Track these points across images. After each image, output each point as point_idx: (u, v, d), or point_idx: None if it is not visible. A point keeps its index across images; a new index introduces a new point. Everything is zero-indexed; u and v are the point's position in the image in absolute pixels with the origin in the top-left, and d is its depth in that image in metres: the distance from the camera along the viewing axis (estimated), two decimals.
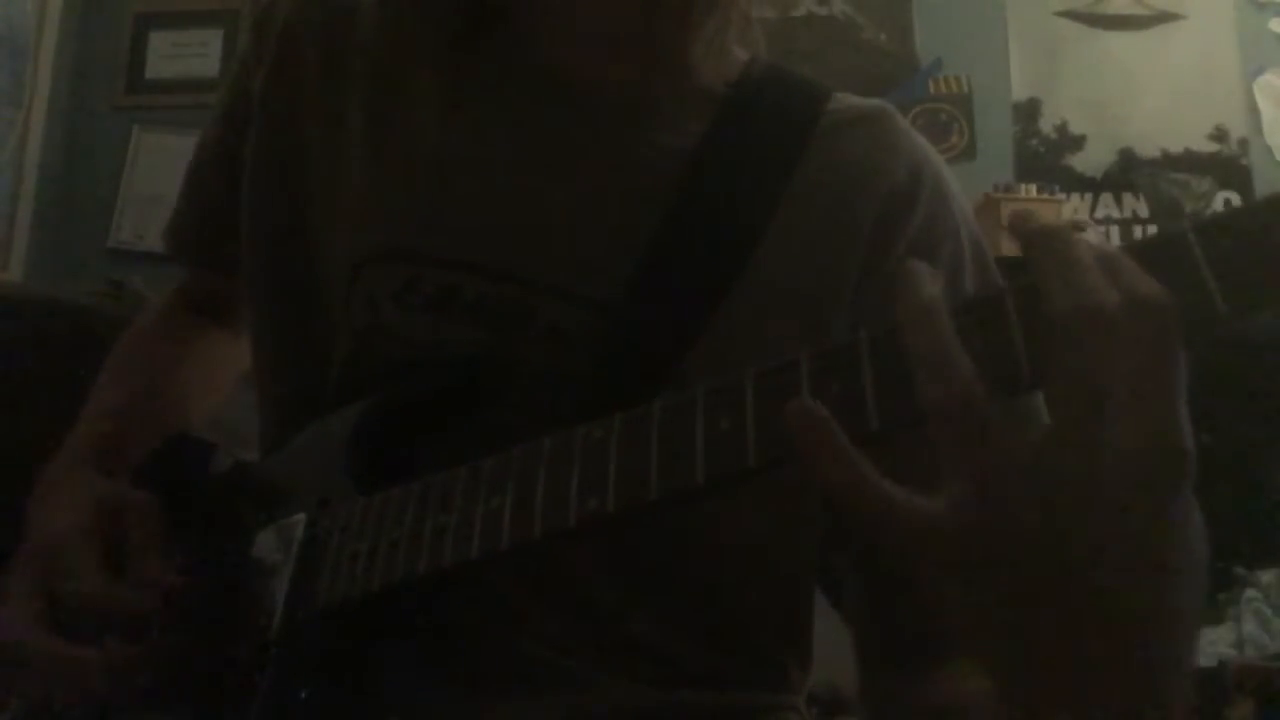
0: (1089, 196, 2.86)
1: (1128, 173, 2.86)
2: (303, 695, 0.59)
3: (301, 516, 0.64)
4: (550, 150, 0.70)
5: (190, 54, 3.07)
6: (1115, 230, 2.83)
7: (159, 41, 3.11)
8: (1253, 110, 2.85)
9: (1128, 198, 2.85)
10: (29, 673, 0.65)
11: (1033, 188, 2.73)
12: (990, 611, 0.42)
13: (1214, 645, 2.06)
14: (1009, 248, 2.60)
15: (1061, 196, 2.76)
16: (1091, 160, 2.88)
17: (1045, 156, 2.90)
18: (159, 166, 2.94)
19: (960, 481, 0.40)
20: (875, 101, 0.75)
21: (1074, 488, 0.39)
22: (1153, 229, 2.80)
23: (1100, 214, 2.85)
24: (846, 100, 0.74)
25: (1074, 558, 0.40)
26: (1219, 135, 2.85)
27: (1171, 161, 2.85)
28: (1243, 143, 2.84)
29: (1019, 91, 2.93)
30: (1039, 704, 0.42)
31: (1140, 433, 0.38)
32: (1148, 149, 2.86)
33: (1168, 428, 0.38)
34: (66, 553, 0.67)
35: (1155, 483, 0.39)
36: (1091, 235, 2.76)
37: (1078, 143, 2.90)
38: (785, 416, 0.42)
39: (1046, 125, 2.91)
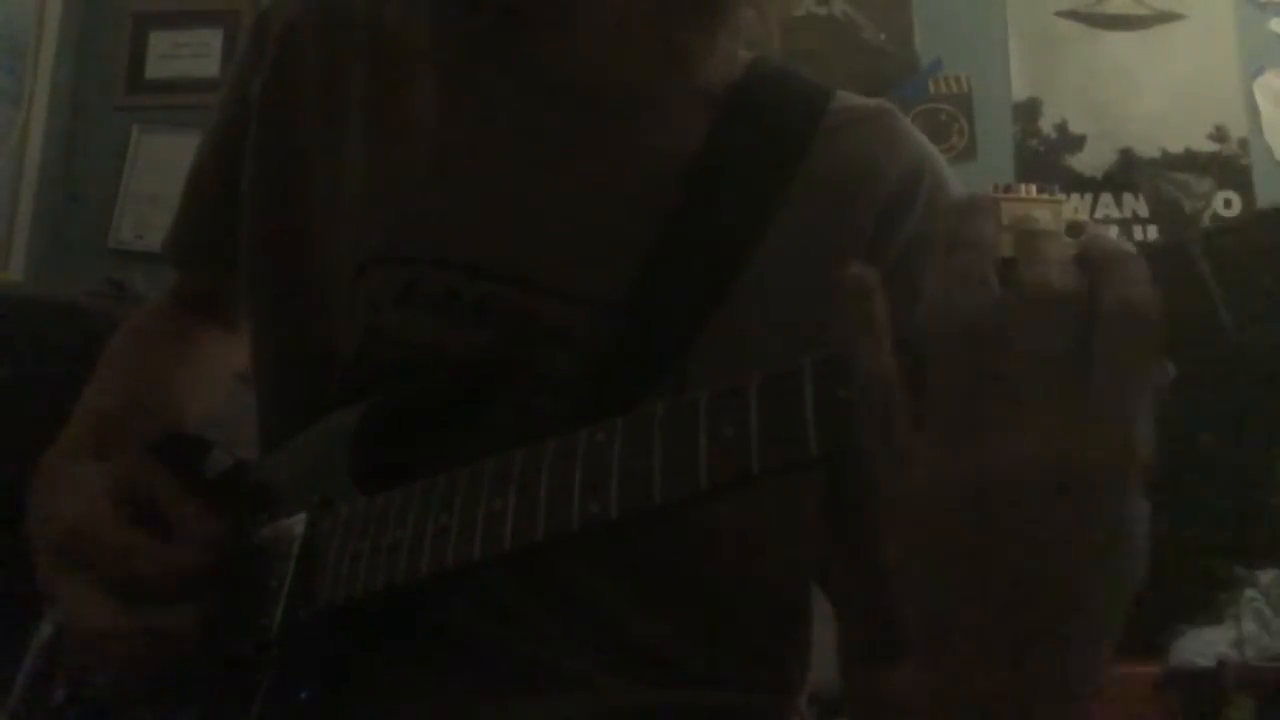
0: (1089, 196, 2.86)
1: (1128, 173, 2.86)
2: (303, 695, 0.59)
3: (302, 516, 0.64)
4: (551, 151, 0.70)
5: (190, 54, 3.07)
6: (1115, 230, 2.82)
7: (159, 41, 3.10)
8: (1253, 110, 2.84)
9: (1128, 198, 2.85)
10: (96, 652, 0.65)
11: (1033, 188, 2.73)
12: (932, 597, 0.43)
13: (1214, 645, 2.06)
14: (1008, 247, 2.61)
15: (1061, 196, 2.76)
16: (1091, 160, 2.88)
17: (1045, 156, 2.89)
18: (159, 166, 2.94)
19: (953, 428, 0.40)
20: (877, 101, 0.75)
21: (989, 487, 0.39)
22: (1153, 229, 2.81)
23: (1100, 214, 2.85)
24: (849, 100, 0.74)
25: (999, 551, 0.40)
26: (1219, 135, 2.84)
27: (1171, 161, 2.85)
28: (1243, 143, 2.83)
29: (1019, 91, 2.93)
30: (962, 702, 0.42)
31: (1097, 437, 0.38)
32: (1148, 149, 2.86)
33: (1117, 436, 0.38)
34: (102, 532, 0.66)
35: (1072, 489, 0.38)
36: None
37: (1078, 143, 2.89)
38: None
39: (1046, 125, 2.91)
